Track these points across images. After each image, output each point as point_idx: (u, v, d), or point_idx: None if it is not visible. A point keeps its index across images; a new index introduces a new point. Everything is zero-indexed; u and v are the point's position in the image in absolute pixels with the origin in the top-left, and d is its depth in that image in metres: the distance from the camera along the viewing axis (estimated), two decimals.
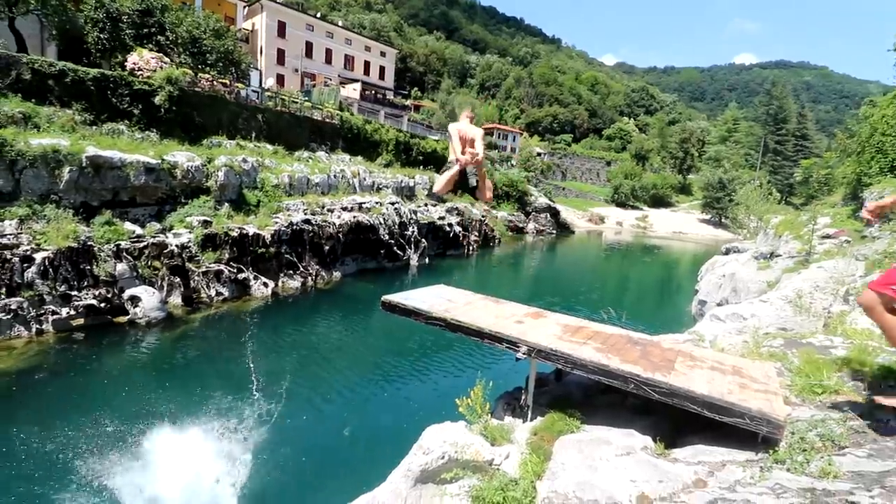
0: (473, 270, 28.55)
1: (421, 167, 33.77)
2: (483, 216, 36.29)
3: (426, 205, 30.15)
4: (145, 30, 20.81)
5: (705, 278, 17.60)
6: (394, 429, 8.86)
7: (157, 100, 18.66)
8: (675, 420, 4.45)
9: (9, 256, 11.67)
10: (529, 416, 4.08)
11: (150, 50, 20.35)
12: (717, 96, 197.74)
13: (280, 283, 18.13)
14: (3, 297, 11.43)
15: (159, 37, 21.17)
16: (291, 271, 18.85)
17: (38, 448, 7.53)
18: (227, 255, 16.39)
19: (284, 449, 8.03)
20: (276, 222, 18.42)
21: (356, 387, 10.78)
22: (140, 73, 19.09)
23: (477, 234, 33.97)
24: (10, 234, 12.07)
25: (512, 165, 60.56)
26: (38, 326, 11.79)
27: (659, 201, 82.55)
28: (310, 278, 19.32)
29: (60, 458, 7.27)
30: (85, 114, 16.66)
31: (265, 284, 17.20)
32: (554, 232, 49.29)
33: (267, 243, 17.56)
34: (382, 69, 54.24)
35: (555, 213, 51.29)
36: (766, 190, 37.49)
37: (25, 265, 11.87)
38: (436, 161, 35.95)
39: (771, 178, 64.48)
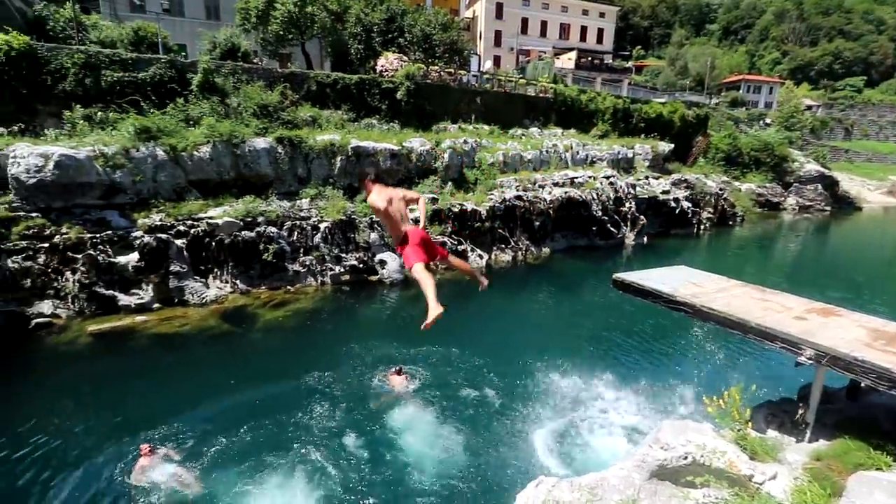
0: (704, 253, 24.45)
1: (643, 135, 30.36)
2: (721, 189, 30.56)
3: (647, 177, 27.10)
4: (389, 35, 24.34)
5: None
6: (614, 414, 8.37)
7: (399, 95, 21.73)
8: None
9: (304, 226, 15.62)
10: (808, 435, 3.17)
11: (393, 52, 23.73)
12: None
13: (493, 256, 19.22)
14: (301, 255, 15.42)
15: (399, 39, 24.46)
16: (504, 245, 19.74)
17: (326, 361, 10.31)
18: (449, 229, 18.20)
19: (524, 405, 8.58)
20: (491, 199, 19.45)
21: (571, 363, 10.55)
22: (386, 73, 22.52)
23: (712, 210, 28.88)
24: (306, 209, 16.11)
25: (766, 125, 48.81)
26: (321, 279, 15.52)
27: None
28: (520, 253, 19.87)
29: (341, 367, 9.91)
30: (349, 112, 20.68)
31: (480, 256, 18.48)
32: (828, 208, 38.08)
33: (482, 218, 18.76)
34: (601, 32, 50.46)
35: (830, 184, 39.51)
36: None
37: (314, 232, 15.70)
38: (661, 127, 31.75)
39: None
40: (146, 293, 12.98)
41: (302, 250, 15.52)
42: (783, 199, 37.26)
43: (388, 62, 22.89)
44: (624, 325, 13.27)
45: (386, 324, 13.29)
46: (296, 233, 15.47)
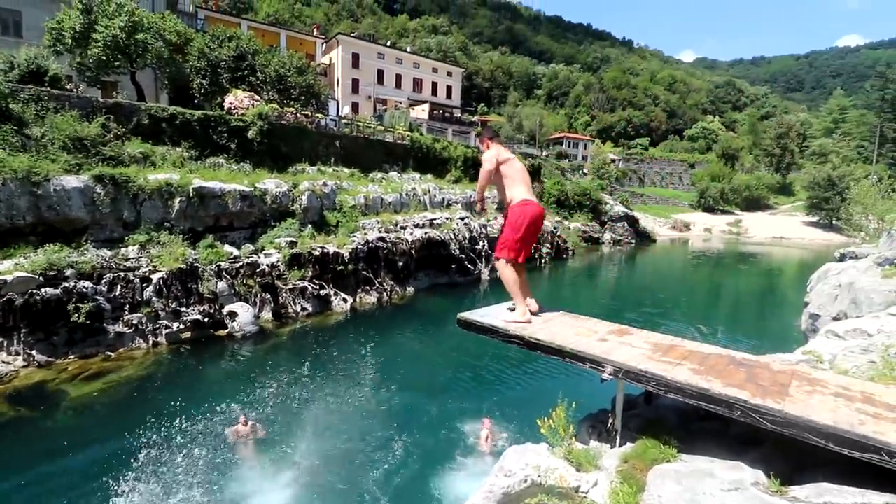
0: (547, 284, 27.77)
1: None
2: (555, 228, 35.38)
3: (496, 218, 30.05)
4: (239, 73, 23.22)
5: (816, 288, 15.50)
6: (471, 447, 8.74)
7: (250, 134, 20.61)
8: (790, 453, 3.90)
9: (131, 278, 13.40)
10: (618, 441, 3.80)
11: (244, 90, 22.63)
12: (818, 84, 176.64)
13: (358, 299, 18.94)
14: (126, 313, 13.11)
15: (251, 78, 23.49)
16: (368, 287, 19.63)
17: (155, 439, 8.56)
18: (310, 273, 17.46)
19: (357, 457, 8.26)
20: (354, 241, 19.36)
21: (431, 401, 10.82)
22: (235, 111, 21.27)
23: (549, 245, 33.13)
24: (133, 258, 13.88)
25: (584, 174, 58.68)
26: (153, 339, 13.34)
27: (754, 204, 75.22)
28: (385, 293, 19.97)
29: (174, 445, 8.35)
30: (191, 150, 18.82)
31: (344, 300, 18.05)
32: (633, 241, 46.68)
33: (346, 261, 18.48)
34: (449, 88, 55.58)
35: (633, 222, 48.68)
36: (886, 186, 32.52)
37: (144, 284, 13.55)
38: None
39: (892, 173, 56.10)
40: None
41: (127, 307, 13.21)
42: (601, 234, 44.63)
43: (238, 100, 21.70)
44: (474, 360, 14.11)
45: (237, 382, 11.87)
46: (119, 287, 13.15)
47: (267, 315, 16.09)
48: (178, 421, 9.38)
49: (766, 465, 3.70)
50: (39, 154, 13.86)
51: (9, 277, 11.30)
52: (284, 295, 16.68)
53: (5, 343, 11.40)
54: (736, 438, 4.25)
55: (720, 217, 68.87)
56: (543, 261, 31.23)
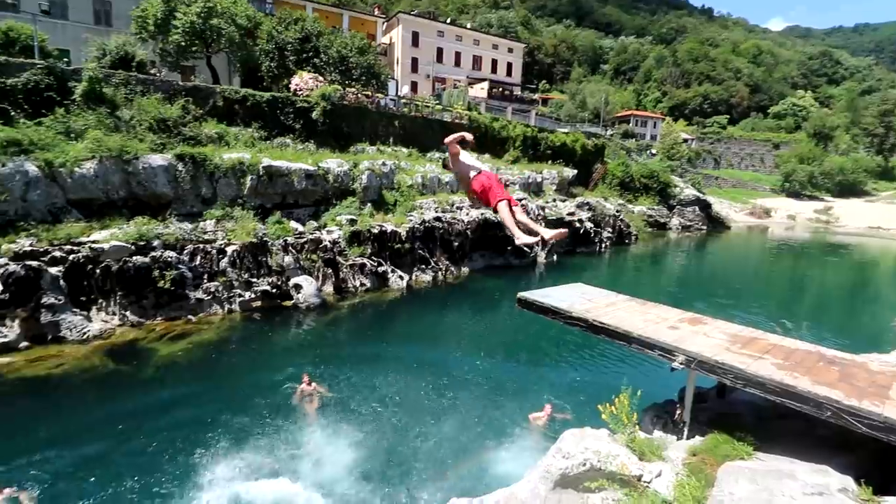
0: (606, 269, 26.74)
1: (549, 161, 32.78)
2: (617, 211, 33.81)
3: (554, 200, 29.20)
4: (304, 55, 23.92)
5: None
6: (526, 428, 8.72)
7: (314, 115, 21.29)
8: (886, 461, 3.51)
9: (209, 249, 14.49)
10: (686, 433, 3.59)
11: (308, 72, 23.32)
12: None
13: (414, 277, 19.30)
14: (205, 281, 14.24)
15: (315, 59, 24.12)
16: (424, 266, 19.92)
17: (230, 394, 9.67)
18: (369, 250, 17.99)
19: (412, 429, 8.52)
20: (411, 220, 19.64)
21: (486, 379, 10.87)
22: (301, 92, 22.02)
23: (611, 230, 31.77)
24: (210, 231, 14.98)
25: (652, 154, 55.28)
26: (228, 306, 14.42)
27: (848, 190, 67.44)
28: (440, 273, 20.18)
29: (246, 399, 9.35)
30: (261, 130, 19.80)
31: (401, 277, 18.45)
32: (704, 227, 43.64)
33: (402, 239, 18.82)
34: (510, 65, 54.02)
35: (705, 206, 45.42)
36: None
37: (220, 256, 14.62)
38: (565, 154, 34.60)
39: None
40: (10, 331, 11.10)
41: (206, 276, 14.34)
42: (669, 219, 42.06)
43: (303, 81, 22.43)
44: (532, 338, 14.01)
45: (302, 350, 12.62)
46: (199, 257, 14.28)
47: (329, 288, 16.84)
48: (250, 379, 10.55)
49: (857, 472, 3.35)
50: (129, 134, 15.18)
51: (106, 246, 12.61)
52: (345, 270, 17.33)
53: (104, 304, 12.81)
54: (821, 441, 3.88)
55: (807, 203, 62.40)
56: (604, 245, 30.02)
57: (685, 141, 67.14)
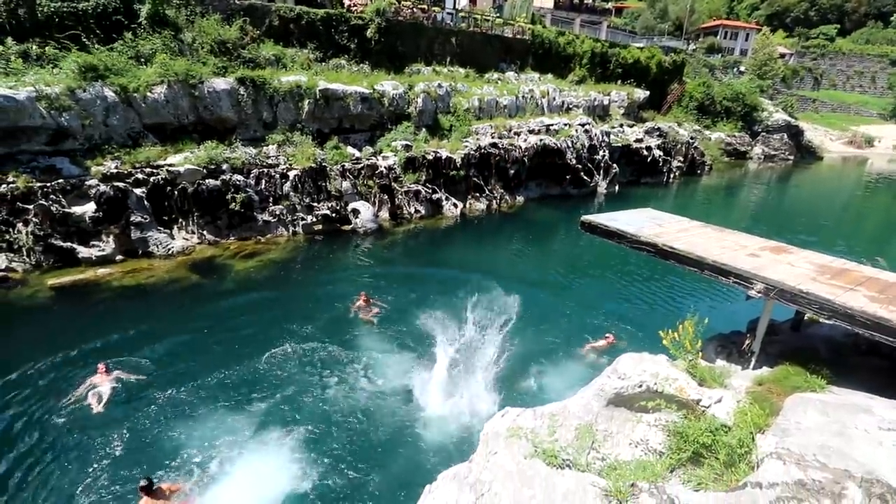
0: (673, 201, 25.06)
1: (619, 81, 29.93)
2: (692, 138, 30.88)
3: (621, 125, 27.06)
4: None
5: None
6: (579, 353, 8.85)
7: (368, 33, 20.46)
8: None
9: (273, 173, 15.05)
10: (753, 363, 3.43)
11: None
12: None
13: (468, 205, 19.19)
14: (271, 205, 14.98)
15: None
16: (478, 193, 19.67)
17: (297, 307, 10.70)
18: (423, 177, 17.92)
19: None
20: (466, 146, 19.11)
21: (541, 303, 10.99)
22: (355, 8, 21.06)
23: (682, 159, 29.32)
24: (273, 156, 15.47)
25: (740, 73, 48.78)
26: (293, 228, 15.22)
27: None
28: (494, 201, 19.89)
29: (311, 312, 10.37)
30: (316, 52, 19.41)
31: (455, 205, 18.42)
32: (791, 157, 39.20)
33: (457, 166, 18.50)
34: None
35: (795, 133, 40.48)
36: None
37: (283, 180, 15.18)
38: (637, 73, 31.34)
39: None
40: (107, 245, 12.48)
41: (271, 199, 15.06)
42: (750, 148, 38.04)
43: None
44: (591, 267, 13.80)
45: (359, 270, 13.29)
46: (264, 181, 14.92)
47: (384, 214, 17.20)
48: (313, 293, 11.57)
49: None
50: (192, 58, 15.44)
51: (181, 169, 13.45)
52: (400, 197, 17.51)
53: (184, 224, 13.94)
54: None
55: None
56: (672, 176, 27.92)
57: (782, 56, 58.30)
